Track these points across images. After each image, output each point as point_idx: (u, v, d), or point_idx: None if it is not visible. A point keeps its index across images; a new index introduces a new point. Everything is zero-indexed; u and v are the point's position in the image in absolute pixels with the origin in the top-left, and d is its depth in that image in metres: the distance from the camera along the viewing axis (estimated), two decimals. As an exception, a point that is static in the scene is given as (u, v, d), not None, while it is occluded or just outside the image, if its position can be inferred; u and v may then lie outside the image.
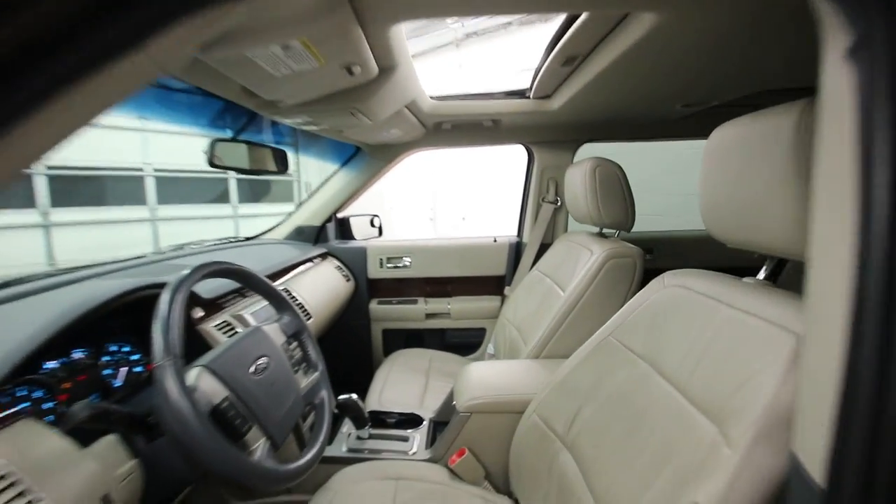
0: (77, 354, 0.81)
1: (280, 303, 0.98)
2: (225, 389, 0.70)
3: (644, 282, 0.93)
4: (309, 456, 0.80)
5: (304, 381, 0.91)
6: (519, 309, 1.62)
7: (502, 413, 1.10)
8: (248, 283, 0.92)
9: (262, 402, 0.74)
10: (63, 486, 0.56)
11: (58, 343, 0.69)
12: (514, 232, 2.06)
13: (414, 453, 1.16)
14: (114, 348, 0.89)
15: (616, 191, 1.33)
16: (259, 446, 0.72)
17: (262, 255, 1.61)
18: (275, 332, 0.90)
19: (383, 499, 0.94)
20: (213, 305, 1.07)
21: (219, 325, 1.02)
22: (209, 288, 1.05)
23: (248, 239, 1.93)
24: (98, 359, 0.85)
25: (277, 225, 2.01)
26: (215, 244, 1.73)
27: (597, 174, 1.33)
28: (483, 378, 1.19)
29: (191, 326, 0.98)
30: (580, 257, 1.38)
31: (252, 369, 0.76)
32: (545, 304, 1.42)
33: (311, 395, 0.90)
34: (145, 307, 0.79)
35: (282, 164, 1.33)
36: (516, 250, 1.98)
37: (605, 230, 1.46)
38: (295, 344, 0.99)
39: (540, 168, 1.90)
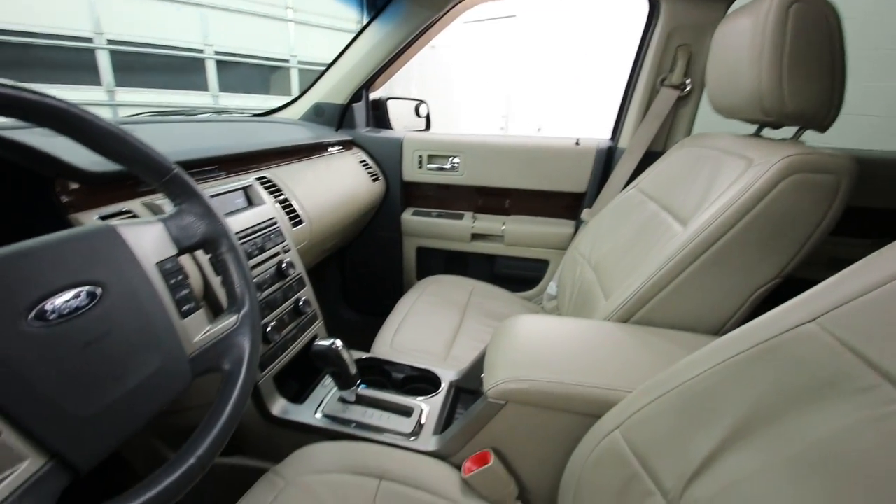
0: None
1: (172, 183, 0.51)
2: None
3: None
4: (165, 483, 0.41)
5: (204, 330, 0.50)
6: (600, 241, 1.10)
7: (558, 411, 0.66)
8: (60, 124, 0.40)
9: (38, 383, 0.35)
10: None
11: None
12: (607, 135, 1.45)
13: (415, 439, 0.78)
14: None
15: (821, 52, 0.71)
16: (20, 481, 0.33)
17: (258, 133, 1.19)
18: (152, 237, 0.48)
19: None
20: (112, 184, 0.67)
21: (112, 217, 0.63)
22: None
23: (256, 115, 1.52)
24: None
25: (293, 101, 1.56)
26: (207, 114, 1.34)
27: (791, 16, 0.70)
28: (532, 345, 0.74)
29: (57, 216, 0.60)
30: (724, 168, 0.80)
31: (33, 314, 0.36)
32: (646, 239, 0.89)
33: (212, 355, 0.50)
34: None
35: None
36: (606, 158, 1.39)
37: (765, 132, 0.87)
38: (199, 262, 0.58)
39: (667, 28, 1.22)
